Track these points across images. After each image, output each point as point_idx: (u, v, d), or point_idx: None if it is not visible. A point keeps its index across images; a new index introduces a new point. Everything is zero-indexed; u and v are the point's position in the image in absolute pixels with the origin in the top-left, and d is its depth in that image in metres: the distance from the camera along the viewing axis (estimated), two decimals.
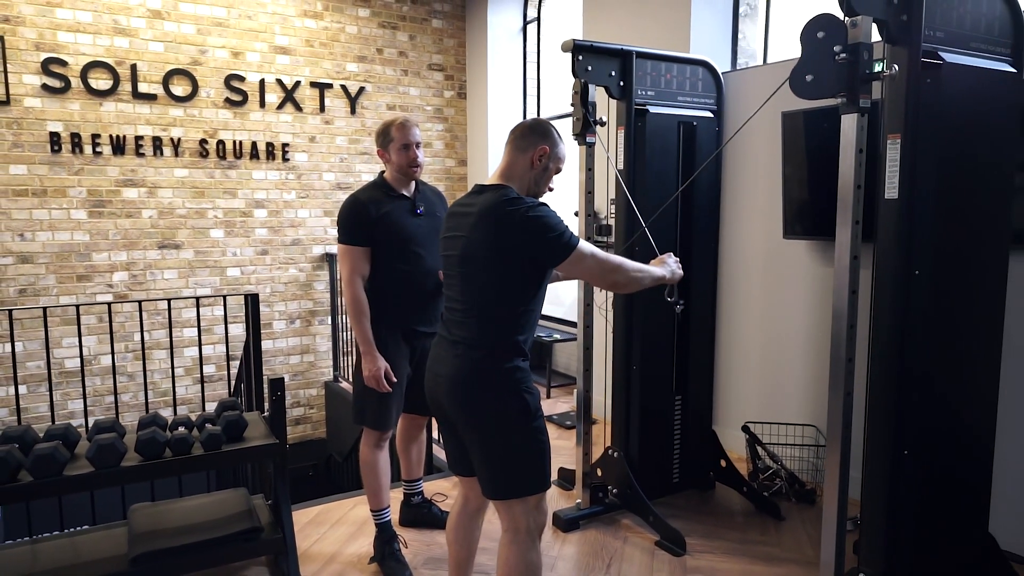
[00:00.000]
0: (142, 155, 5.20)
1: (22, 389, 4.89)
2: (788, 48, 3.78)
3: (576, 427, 3.09)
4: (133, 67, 5.11)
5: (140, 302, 3.44)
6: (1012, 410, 2.58)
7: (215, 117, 5.42)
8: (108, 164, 5.11)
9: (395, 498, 2.94)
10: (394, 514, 2.85)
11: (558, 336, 5.23)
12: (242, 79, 5.48)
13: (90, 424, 2.52)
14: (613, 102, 3.07)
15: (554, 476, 3.37)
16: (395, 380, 2.55)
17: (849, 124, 1.90)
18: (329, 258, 5.93)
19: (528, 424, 1.87)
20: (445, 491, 3.33)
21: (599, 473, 3.17)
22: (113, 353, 3.40)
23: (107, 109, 5.07)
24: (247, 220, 5.62)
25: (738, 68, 3.95)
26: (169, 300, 3.55)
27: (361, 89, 5.96)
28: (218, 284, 5.54)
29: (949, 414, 2.11)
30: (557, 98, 5.87)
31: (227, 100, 5.44)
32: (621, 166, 2.99)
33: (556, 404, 4.87)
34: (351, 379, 5.40)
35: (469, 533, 2.14)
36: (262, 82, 5.55)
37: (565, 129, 2.57)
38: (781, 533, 2.96)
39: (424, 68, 6.24)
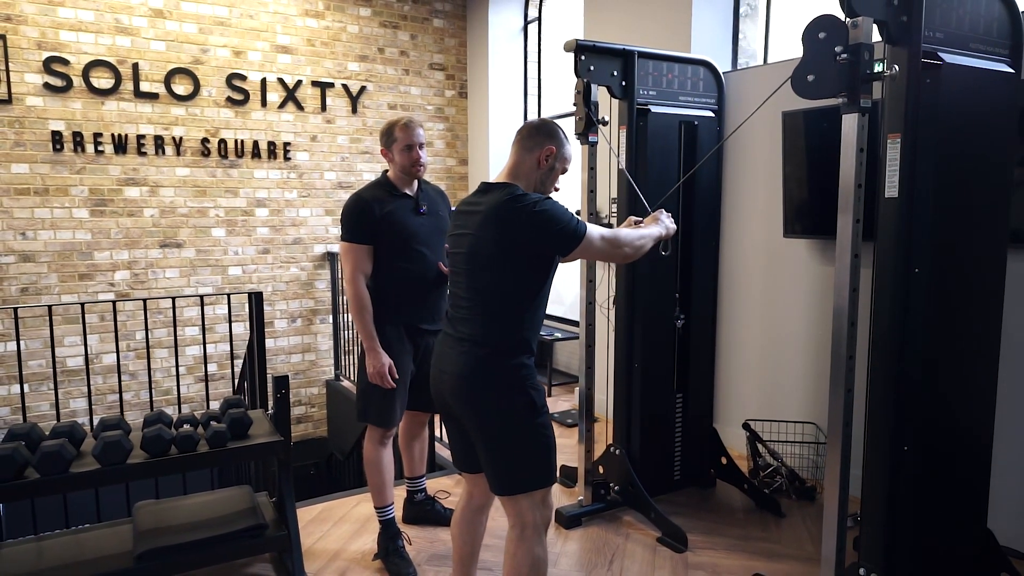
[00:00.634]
0: (144, 154, 5.21)
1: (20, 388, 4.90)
2: (788, 48, 3.79)
3: (578, 425, 3.11)
4: (135, 66, 5.12)
5: (144, 300, 3.45)
6: (1010, 407, 2.60)
7: (217, 116, 5.44)
8: (110, 163, 5.13)
9: (398, 496, 2.96)
10: (397, 511, 2.86)
11: (559, 335, 5.25)
12: (244, 78, 5.49)
13: (94, 423, 2.54)
14: (615, 102, 3.09)
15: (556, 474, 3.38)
16: (398, 377, 2.57)
17: (850, 124, 1.91)
18: (330, 257, 5.95)
19: (533, 420, 1.89)
20: (448, 489, 3.34)
21: (601, 470, 3.19)
22: (118, 351, 3.41)
23: (109, 108, 5.09)
24: (248, 219, 5.63)
25: (739, 68, 3.97)
26: (173, 298, 3.57)
27: (362, 88, 5.97)
28: (220, 283, 5.55)
29: (948, 411, 2.13)
30: (558, 98, 5.89)
31: (229, 99, 5.46)
32: (623, 165, 3.01)
33: (557, 402, 4.89)
34: (353, 378, 5.43)
35: (473, 529, 2.16)
36: (264, 81, 5.57)
37: (567, 129, 2.59)
38: (782, 530, 2.98)
39: (425, 67, 6.26)
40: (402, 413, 2.70)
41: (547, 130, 1.98)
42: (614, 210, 3.20)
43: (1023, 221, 2.54)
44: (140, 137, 5.19)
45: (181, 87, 5.30)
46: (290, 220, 5.80)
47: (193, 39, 5.31)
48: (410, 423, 2.89)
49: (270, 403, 2.84)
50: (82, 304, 3.29)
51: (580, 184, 3.00)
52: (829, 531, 2.06)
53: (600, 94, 2.96)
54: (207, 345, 4.00)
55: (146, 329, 3.44)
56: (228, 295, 3.68)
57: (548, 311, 2.11)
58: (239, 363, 4.18)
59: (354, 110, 5.96)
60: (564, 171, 2.04)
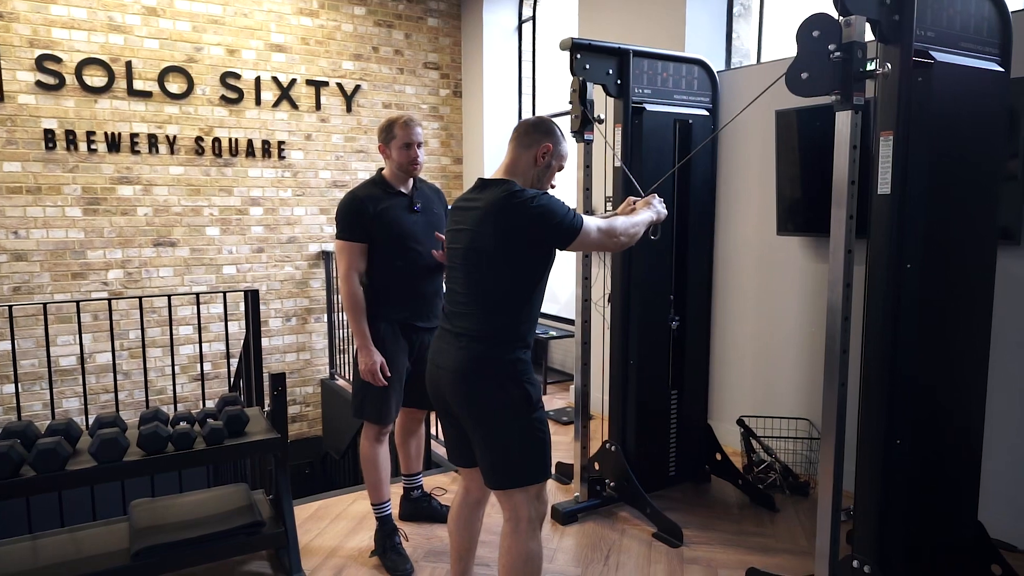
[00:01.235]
0: (137, 152, 5.20)
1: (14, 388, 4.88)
2: (781, 47, 3.82)
3: (574, 422, 3.12)
4: (128, 64, 5.11)
5: (140, 298, 3.44)
6: (1001, 401, 2.63)
7: (211, 115, 5.43)
8: (103, 161, 5.11)
9: (395, 493, 2.96)
10: (394, 508, 2.87)
11: (554, 333, 5.27)
12: (238, 77, 5.49)
13: (88, 423, 2.53)
14: (610, 100, 3.10)
15: (552, 470, 3.40)
16: (390, 374, 2.57)
17: (843, 121, 1.94)
18: (325, 256, 5.95)
19: (530, 415, 1.91)
20: (444, 485, 3.35)
21: (597, 467, 3.20)
22: (113, 350, 3.41)
23: (102, 106, 5.07)
24: (243, 218, 5.63)
25: (732, 67, 4.00)
26: (169, 296, 3.57)
27: (357, 87, 5.97)
28: (214, 282, 5.54)
29: (940, 405, 2.15)
30: (552, 97, 5.90)
31: (223, 98, 5.45)
32: (619, 161, 3.03)
33: (552, 400, 4.90)
34: (348, 377, 5.43)
35: (470, 524, 2.17)
36: (258, 80, 5.56)
37: (563, 127, 2.60)
38: (776, 524, 3.01)
39: (420, 66, 6.26)
40: (398, 410, 2.70)
41: (544, 127, 2.00)
42: (609, 208, 3.22)
43: (1012, 219, 2.57)
44: (133, 135, 5.17)
45: (175, 85, 5.29)
46: (285, 219, 5.80)
47: (187, 37, 5.30)
48: (406, 420, 2.89)
49: (266, 401, 2.84)
50: (77, 302, 3.28)
51: (576, 182, 3.01)
52: (823, 524, 2.08)
53: (595, 92, 2.97)
54: (202, 344, 3.99)
55: (142, 328, 3.43)
56: (224, 293, 3.68)
57: (543, 309, 2.13)
58: (234, 362, 4.18)
59: (349, 109, 5.96)
60: (561, 168, 2.05)
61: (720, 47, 4.01)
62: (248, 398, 3.43)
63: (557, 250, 1.95)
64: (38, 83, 4.87)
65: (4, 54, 4.76)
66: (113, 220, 5.19)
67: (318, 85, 5.81)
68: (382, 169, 2.68)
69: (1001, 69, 2.16)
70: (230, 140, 5.50)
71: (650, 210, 2.20)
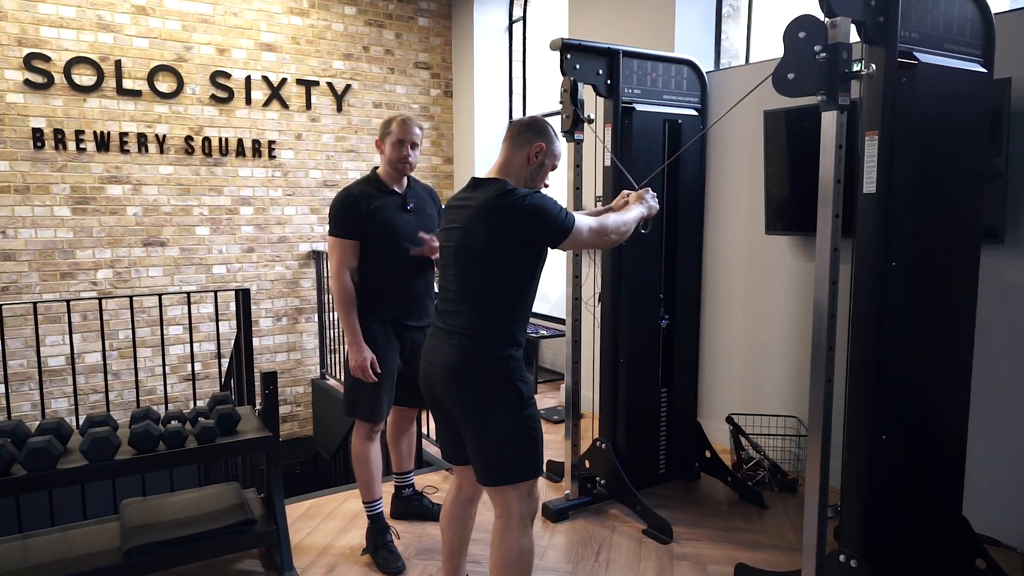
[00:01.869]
0: (127, 152, 5.18)
1: (3, 388, 4.86)
2: (770, 48, 3.85)
3: (564, 420, 3.15)
4: (117, 63, 5.09)
5: (130, 298, 3.43)
6: (984, 397, 2.67)
7: (201, 114, 5.41)
8: (92, 161, 5.09)
9: (386, 491, 2.97)
10: (385, 507, 2.88)
11: (544, 332, 5.29)
12: (228, 76, 5.47)
13: (78, 423, 2.53)
14: (600, 100, 3.12)
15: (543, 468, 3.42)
16: (380, 371, 2.58)
17: (829, 121, 1.96)
18: (316, 256, 5.94)
19: (521, 412, 1.92)
20: (435, 484, 3.36)
21: (587, 465, 3.22)
22: (104, 350, 3.40)
23: (91, 105, 5.05)
24: (233, 217, 5.61)
25: (721, 68, 4.03)
26: (159, 295, 3.56)
27: (347, 87, 5.97)
28: (204, 282, 5.53)
29: (925, 401, 2.18)
30: (543, 97, 5.92)
31: (213, 97, 5.44)
32: (608, 162, 3.05)
33: (543, 400, 4.92)
34: (340, 376, 5.42)
35: (462, 522, 2.19)
36: (248, 79, 5.55)
37: (553, 127, 2.62)
38: (764, 521, 3.04)
39: (410, 66, 6.27)
40: (389, 409, 2.71)
41: (537, 127, 2.01)
42: (599, 208, 3.24)
43: (995, 218, 2.61)
44: (123, 135, 5.15)
45: (164, 85, 5.27)
46: (275, 218, 5.79)
47: (176, 36, 5.29)
48: (398, 419, 2.90)
49: (257, 400, 2.84)
50: (67, 302, 3.27)
51: (567, 181, 3.03)
52: (810, 520, 2.11)
53: (586, 92, 2.99)
54: (192, 344, 3.98)
55: (132, 327, 3.43)
56: (215, 292, 3.67)
57: (533, 309, 2.14)
58: (224, 362, 4.17)
59: (339, 108, 5.96)
60: (554, 167, 2.07)
61: (709, 48, 4.05)
62: (239, 397, 3.43)
63: (549, 249, 1.97)
64: (26, 82, 4.84)
65: None
66: (102, 220, 5.16)
67: (308, 84, 5.81)
68: (377, 168, 2.70)
69: (984, 70, 2.19)
70: (220, 139, 5.48)
71: (642, 205, 2.22)
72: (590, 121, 2.94)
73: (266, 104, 5.65)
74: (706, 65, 3.74)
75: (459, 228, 1.94)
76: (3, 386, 3.20)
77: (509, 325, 1.93)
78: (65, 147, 5.00)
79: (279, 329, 5.89)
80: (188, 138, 5.37)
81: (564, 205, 2.71)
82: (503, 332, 1.92)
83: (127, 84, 5.14)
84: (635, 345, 3.21)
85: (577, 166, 3.00)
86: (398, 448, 2.97)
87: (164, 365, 3.69)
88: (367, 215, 2.56)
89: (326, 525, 3.00)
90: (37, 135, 4.90)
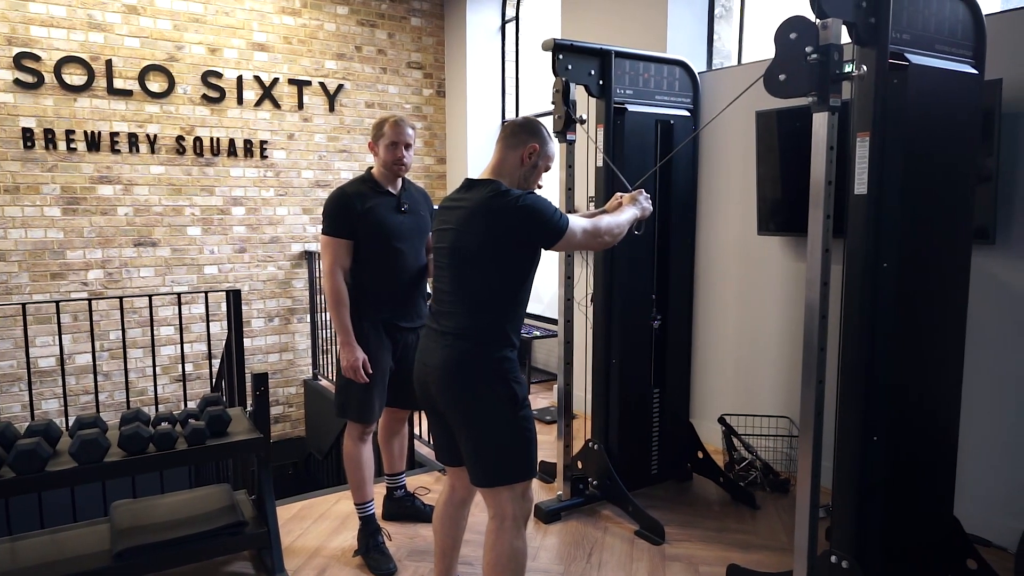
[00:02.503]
0: (118, 152, 5.15)
1: None
2: (761, 49, 3.86)
3: (557, 421, 3.14)
4: (108, 62, 5.06)
5: (121, 299, 3.41)
6: (975, 398, 2.68)
7: (192, 114, 5.39)
8: (83, 161, 5.06)
9: (378, 492, 2.96)
10: (377, 508, 2.87)
11: (537, 333, 5.29)
12: (219, 76, 5.45)
13: (68, 424, 2.51)
14: (592, 100, 3.12)
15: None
16: (371, 372, 2.57)
17: (820, 122, 1.96)
18: (308, 256, 5.92)
19: (516, 413, 1.92)
20: (427, 485, 3.35)
21: (579, 465, 3.22)
22: (94, 351, 3.37)
23: (82, 105, 5.02)
24: (225, 218, 5.59)
25: (713, 68, 4.03)
26: (150, 296, 3.53)
27: (340, 87, 5.96)
28: (195, 282, 5.50)
29: (916, 402, 2.19)
30: (536, 97, 5.92)
31: (204, 97, 5.41)
32: (601, 163, 3.05)
33: (536, 400, 4.92)
34: (332, 377, 5.40)
35: (455, 523, 2.18)
36: (239, 79, 5.53)
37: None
38: (756, 521, 3.04)
39: (403, 66, 6.25)
40: (381, 410, 2.70)
41: (531, 128, 2.01)
42: (592, 208, 3.24)
43: (986, 219, 2.62)
44: (114, 134, 5.12)
45: (155, 84, 5.24)
46: (267, 219, 5.77)
47: (168, 36, 5.26)
48: (390, 420, 2.89)
49: (249, 401, 2.83)
50: (56, 303, 3.24)
51: (559, 182, 3.03)
52: (801, 520, 2.11)
53: (578, 93, 2.99)
54: (183, 345, 3.96)
55: (123, 328, 3.40)
56: (206, 293, 3.66)
57: (526, 309, 2.14)
58: (216, 363, 4.15)
59: (331, 108, 5.94)
60: (547, 168, 2.07)
61: (701, 48, 4.05)
62: (230, 398, 3.42)
63: (543, 250, 1.96)
64: (16, 81, 4.81)
65: None
66: (93, 220, 5.13)
67: (300, 84, 5.79)
68: (371, 168, 2.69)
69: (975, 71, 2.20)
70: (212, 139, 5.46)
71: (635, 207, 2.22)
72: (582, 122, 2.94)
73: (258, 104, 5.63)
74: (698, 66, 3.75)
75: (452, 229, 1.93)
76: None
77: (503, 326, 1.93)
78: (55, 147, 4.97)
79: (271, 330, 5.87)
80: (179, 138, 5.34)
81: (556, 206, 2.71)
82: (497, 333, 1.92)
83: (118, 84, 5.11)
84: (627, 346, 3.21)
85: (569, 167, 3.00)
86: (390, 449, 2.96)
87: (154, 366, 3.67)
88: (361, 215, 2.55)
89: (318, 527, 2.99)
90: (27, 135, 4.86)
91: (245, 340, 5.65)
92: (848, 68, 1.92)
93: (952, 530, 2.33)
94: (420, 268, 2.69)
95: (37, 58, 4.85)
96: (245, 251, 5.70)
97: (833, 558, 2.12)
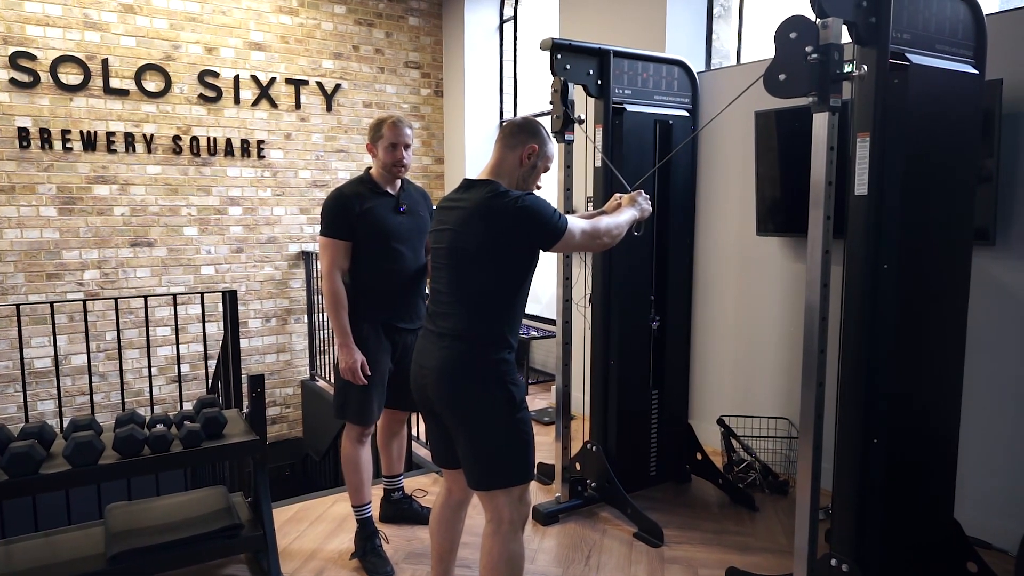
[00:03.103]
0: (114, 151, 5.13)
1: None
2: (761, 49, 3.85)
3: (555, 423, 3.13)
4: (104, 62, 5.04)
5: (116, 299, 3.39)
6: (976, 400, 2.67)
7: (189, 113, 5.37)
8: (79, 160, 5.03)
9: (375, 495, 2.95)
10: (375, 510, 2.85)
11: (536, 333, 5.27)
12: (216, 75, 5.43)
13: (63, 425, 2.49)
14: (591, 100, 3.11)
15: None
16: (370, 373, 2.56)
17: (820, 122, 1.95)
18: (305, 256, 5.90)
19: (513, 415, 1.90)
20: (425, 487, 3.34)
21: (578, 467, 3.21)
22: (89, 352, 3.35)
23: (78, 104, 5.00)
24: (222, 218, 5.57)
25: (712, 68, 4.02)
26: (146, 297, 3.51)
27: (337, 86, 5.94)
28: (192, 283, 5.48)
29: (916, 404, 2.17)
30: (534, 97, 5.90)
31: (201, 96, 5.39)
32: (599, 163, 3.03)
33: (534, 401, 4.90)
34: (329, 378, 5.39)
35: (452, 526, 2.17)
36: (236, 78, 5.51)
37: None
38: (756, 523, 3.03)
39: (401, 66, 6.24)
40: (380, 411, 2.69)
41: (530, 128, 2.00)
42: (590, 209, 3.23)
43: (986, 219, 2.61)
44: (110, 134, 5.10)
45: (152, 84, 5.22)
46: (264, 219, 5.74)
47: (164, 35, 5.24)
48: (388, 421, 2.88)
49: (245, 403, 2.81)
50: (51, 303, 3.23)
51: (557, 182, 3.01)
52: (801, 523, 2.10)
53: (576, 93, 2.98)
54: (179, 345, 3.94)
55: (117, 329, 3.39)
56: (201, 294, 3.63)
57: (524, 310, 2.12)
58: (212, 364, 4.13)
59: (329, 108, 5.92)
60: (546, 169, 2.05)
61: (700, 48, 4.04)
62: (227, 400, 3.39)
63: (541, 251, 1.95)
64: (12, 81, 4.78)
65: None
66: (89, 220, 5.11)
67: (298, 84, 5.77)
68: (370, 168, 2.67)
69: (975, 71, 2.19)
70: (208, 139, 5.44)
71: (634, 208, 2.20)
72: (580, 122, 2.92)
73: (255, 103, 5.61)
74: (697, 65, 3.73)
75: (451, 230, 1.92)
76: None
77: (501, 328, 1.91)
78: (51, 147, 4.94)
79: (268, 330, 5.85)
80: (176, 138, 5.32)
81: (555, 205, 2.69)
82: (495, 335, 1.90)
83: (114, 83, 5.09)
84: (626, 347, 3.19)
85: (568, 167, 2.98)
86: (388, 451, 2.94)
87: (150, 367, 3.65)
88: (359, 216, 2.54)
89: (314, 529, 2.97)
90: (23, 134, 4.84)
91: (242, 341, 5.64)
92: (848, 68, 1.91)
93: (952, 532, 2.32)
94: (419, 269, 2.67)
95: (33, 57, 4.82)
96: (242, 251, 5.67)
97: (833, 561, 2.11)
